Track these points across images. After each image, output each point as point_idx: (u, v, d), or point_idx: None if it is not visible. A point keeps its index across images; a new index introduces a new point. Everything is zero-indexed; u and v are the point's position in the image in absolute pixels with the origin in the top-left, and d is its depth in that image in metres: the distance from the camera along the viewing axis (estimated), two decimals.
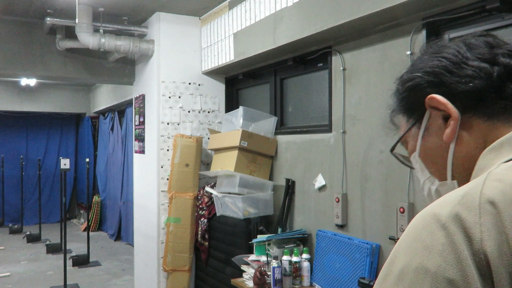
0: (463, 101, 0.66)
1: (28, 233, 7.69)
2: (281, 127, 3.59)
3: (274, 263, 2.81)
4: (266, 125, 3.57)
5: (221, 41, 3.82)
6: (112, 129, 8.14)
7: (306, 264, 2.89)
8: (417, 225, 0.56)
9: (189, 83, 4.13)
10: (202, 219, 3.85)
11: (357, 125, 2.72)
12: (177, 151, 3.90)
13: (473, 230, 0.51)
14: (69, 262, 5.84)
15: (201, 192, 3.94)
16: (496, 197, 0.52)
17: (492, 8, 1.96)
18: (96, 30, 3.89)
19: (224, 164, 3.55)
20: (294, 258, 2.88)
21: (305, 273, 2.88)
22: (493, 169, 0.58)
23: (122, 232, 7.61)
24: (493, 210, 0.51)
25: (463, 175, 0.68)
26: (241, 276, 3.15)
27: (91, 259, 6.24)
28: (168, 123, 4.04)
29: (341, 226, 2.83)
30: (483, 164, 0.63)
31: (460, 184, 0.67)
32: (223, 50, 3.79)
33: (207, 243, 3.81)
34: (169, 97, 4.04)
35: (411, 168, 0.79)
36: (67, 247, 5.42)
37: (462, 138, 0.67)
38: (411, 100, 0.73)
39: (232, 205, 3.45)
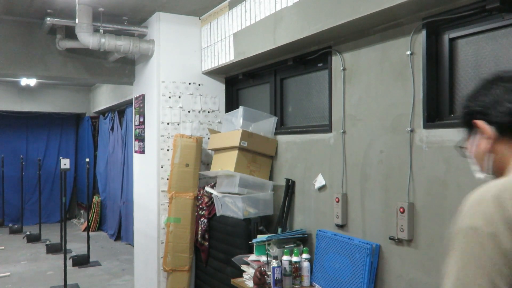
0: (499, 127, 1.02)
1: (28, 233, 7.70)
2: (281, 127, 3.59)
3: (274, 263, 2.81)
4: (266, 125, 3.57)
5: (221, 41, 3.82)
6: (112, 129, 8.14)
7: (306, 264, 2.89)
8: (472, 200, 0.90)
9: (189, 83, 4.13)
10: (202, 219, 3.85)
11: (357, 125, 2.72)
12: (177, 151, 3.90)
13: (506, 203, 0.85)
14: (69, 262, 5.84)
15: (201, 192, 3.94)
16: None
17: (492, 8, 1.96)
18: (96, 30, 3.89)
19: (224, 164, 3.55)
20: (294, 258, 2.88)
21: (305, 273, 2.88)
22: None
23: (122, 232, 7.61)
24: None
25: (496, 172, 1.05)
26: (241, 276, 3.15)
27: (91, 259, 6.24)
28: (168, 123, 4.04)
29: (341, 226, 2.83)
30: None
31: (495, 177, 1.04)
32: (223, 50, 3.80)
33: (207, 243, 3.81)
34: (169, 97, 4.04)
35: (465, 157, 1.16)
36: (67, 247, 5.42)
37: (497, 149, 1.04)
38: (467, 120, 1.10)
39: (232, 205, 3.45)
